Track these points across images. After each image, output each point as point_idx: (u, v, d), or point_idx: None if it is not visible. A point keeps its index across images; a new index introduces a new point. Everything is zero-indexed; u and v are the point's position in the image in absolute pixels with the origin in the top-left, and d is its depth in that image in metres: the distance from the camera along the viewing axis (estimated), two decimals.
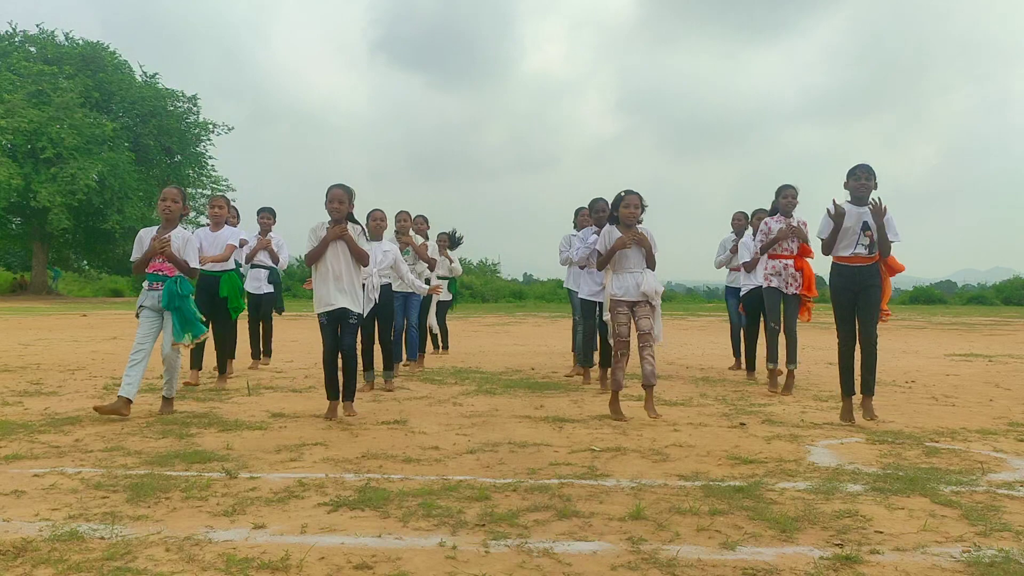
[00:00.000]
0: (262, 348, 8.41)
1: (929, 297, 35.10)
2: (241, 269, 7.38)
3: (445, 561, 2.61)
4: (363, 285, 6.53)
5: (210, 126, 36.98)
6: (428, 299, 8.54)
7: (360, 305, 5.35)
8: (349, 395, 5.36)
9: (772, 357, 6.85)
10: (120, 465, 3.88)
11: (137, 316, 5.40)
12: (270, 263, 8.24)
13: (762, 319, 7.45)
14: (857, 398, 5.42)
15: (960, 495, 3.46)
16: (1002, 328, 17.59)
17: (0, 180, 27.71)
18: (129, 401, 5.17)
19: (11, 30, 33.70)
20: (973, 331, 16.43)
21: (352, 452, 4.23)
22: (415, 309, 7.87)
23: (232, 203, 7.65)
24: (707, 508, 3.21)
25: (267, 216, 8.28)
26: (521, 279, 44.96)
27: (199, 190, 35.90)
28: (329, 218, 5.25)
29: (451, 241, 9.60)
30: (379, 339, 6.85)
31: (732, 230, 8.61)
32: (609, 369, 6.73)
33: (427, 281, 8.23)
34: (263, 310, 8.35)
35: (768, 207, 7.25)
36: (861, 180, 5.34)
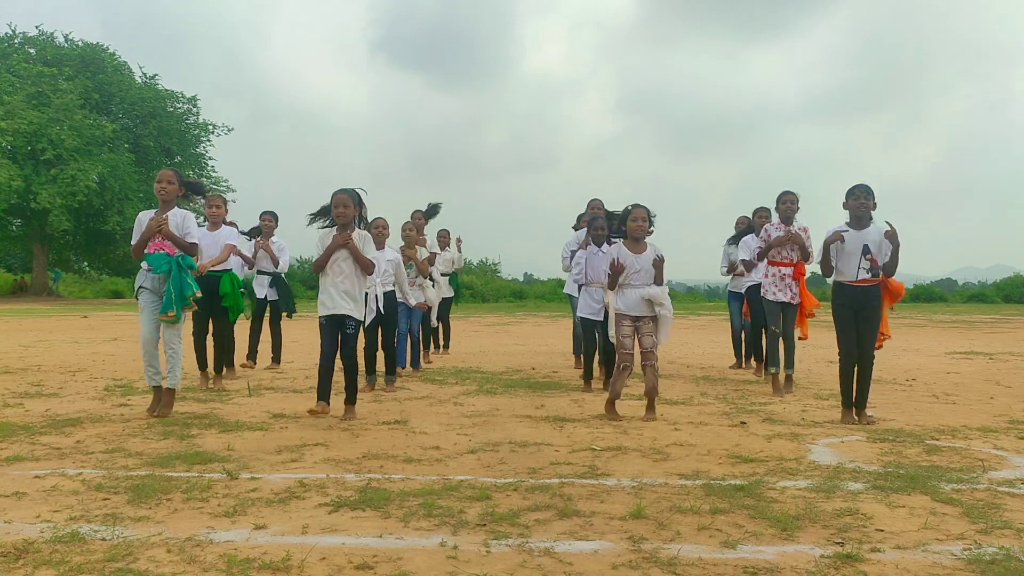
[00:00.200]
0: (272, 355, 8.40)
1: (930, 295, 35.10)
2: (243, 273, 7.37)
3: (446, 561, 2.61)
4: (366, 294, 6.55)
5: (210, 127, 37.01)
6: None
7: (362, 312, 5.35)
8: (351, 399, 5.36)
9: (773, 361, 6.84)
10: (121, 466, 3.88)
11: (136, 298, 5.39)
12: (272, 268, 8.25)
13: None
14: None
15: (961, 493, 3.46)
16: (1002, 326, 17.59)
17: (0, 182, 27.72)
18: (159, 387, 5.37)
19: (11, 32, 33.72)
20: (974, 329, 16.43)
21: (353, 452, 4.23)
22: (417, 319, 7.91)
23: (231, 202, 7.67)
24: (708, 507, 3.21)
25: (269, 219, 8.29)
26: (521, 279, 44.98)
27: (202, 183, 35.91)
28: (337, 225, 5.26)
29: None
30: (383, 344, 6.86)
31: (735, 232, 8.60)
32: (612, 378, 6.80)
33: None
34: (272, 318, 8.36)
35: (770, 205, 7.26)
36: (860, 200, 5.32)
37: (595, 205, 7.68)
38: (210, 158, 37.61)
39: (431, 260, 8.19)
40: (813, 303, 6.77)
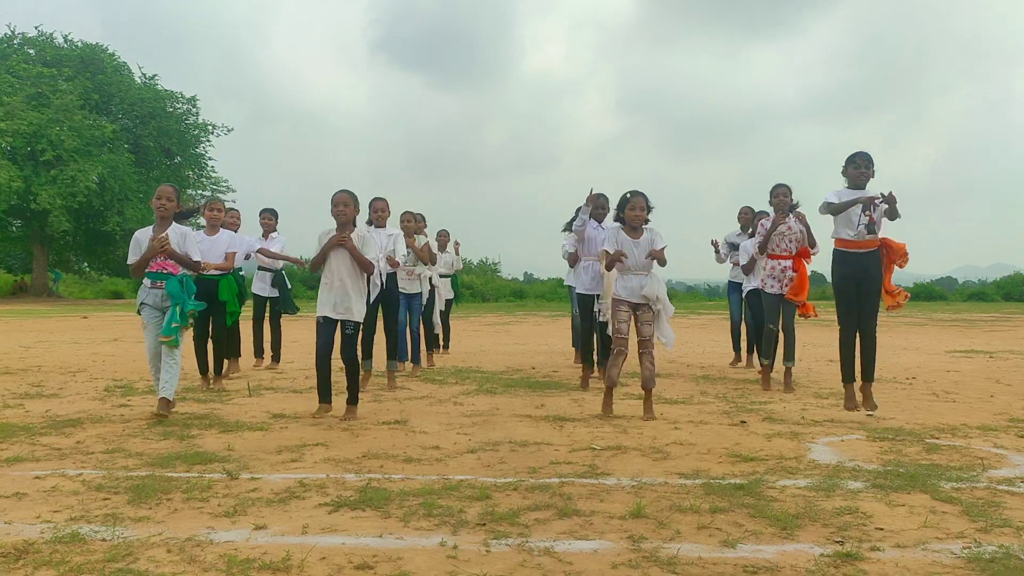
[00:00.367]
0: (272, 353, 8.42)
1: (930, 294, 35.10)
2: (242, 272, 7.37)
3: (446, 560, 2.61)
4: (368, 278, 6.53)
5: (210, 127, 37.02)
6: (432, 301, 8.56)
7: (360, 314, 5.34)
8: (352, 399, 5.37)
9: (767, 354, 6.86)
10: (121, 467, 3.88)
11: (139, 313, 5.40)
12: (274, 266, 8.27)
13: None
14: (858, 383, 5.43)
15: (960, 491, 3.46)
16: (1003, 324, 17.59)
17: (0, 183, 27.72)
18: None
19: (10, 32, 33.72)
20: (974, 327, 16.42)
21: (353, 452, 4.24)
22: (417, 312, 7.88)
23: (234, 205, 7.68)
24: (708, 506, 3.21)
25: (268, 217, 8.30)
26: (522, 278, 44.99)
27: (199, 191, 35.92)
28: (336, 224, 5.26)
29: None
30: (384, 327, 6.84)
31: (739, 225, 8.60)
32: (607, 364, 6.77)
33: (431, 280, 8.27)
34: (272, 317, 8.37)
35: (768, 207, 7.27)
36: (861, 168, 5.34)
37: (601, 203, 7.64)
38: (210, 158, 37.66)
39: (433, 260, 8.18)
40: (801, 299, 6.73)
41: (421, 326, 8.14)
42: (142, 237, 5.40)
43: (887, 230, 5.39)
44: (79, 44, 34.61)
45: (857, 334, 5.39)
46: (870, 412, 5.29)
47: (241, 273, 7.33)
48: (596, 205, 6.80)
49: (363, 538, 2.83)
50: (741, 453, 4.23)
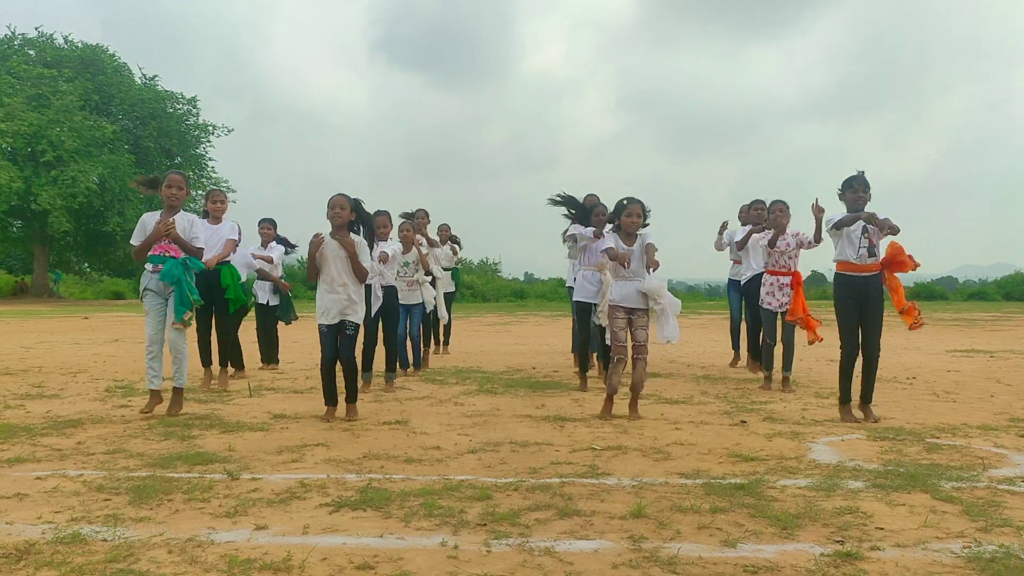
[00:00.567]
0: (268, 355, 8.46)
1: (930, 293, 35.10)
2: (244, 276, 7.38)
3: (447, 561, 2.62)
4: (368, 286, 6.54)
5: (210, 128, 37.03)
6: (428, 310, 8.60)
7: (360, 315, 5.34)
8: (351, 397, 5.38)
9: (768, 366, 6.87)
10: (122, 467, 3.88)
11: (141, 299, 5.42)
12: (275, 274, 8.32)
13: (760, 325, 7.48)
14: (855, 402, 5.42)
15: (961, 491, 3.46)
16: (1003, 324, 17.58)
17: (1, 183, 27.74)
18: (159, 392, 5.35)
19: (10, 33, 33.74)
20: (974, 327, 16.42)
21: (353, 453, 4.24)
22: (417, 322, 7.90)
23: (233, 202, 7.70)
24: (708, 506, 3.21)
25: (267, 227, 8.33)
26: (522, 278, 44.99)
27: (199, 192, 35.93)
28: (331, 228, 5.26)
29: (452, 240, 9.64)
30: (384, 340, 6.85)
31: (741, 223, 8.59)
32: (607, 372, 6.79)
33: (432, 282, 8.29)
34: (268, 322, 8.41)
35: (767, 204, 7.28)
36: (859, 193, 5.33)
37: (600, 211, 7.63)
38: (210, 159, 37.67)
39: (426, 266, 8.17)
40: (796, 316, 6.68)
41: (420, 332, 8.17)
42: (149, 220, 5.42)
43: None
44: (79, 45, 34.63)
45: (859, 356, 5.38)
46: (873, 421, 5.27)
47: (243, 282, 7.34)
48: (595, 214, 6.79)
49: (364, 538, 2.83)
50: (741, 453, 4.23)
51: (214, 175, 37.28)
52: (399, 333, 7.35)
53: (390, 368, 6.88)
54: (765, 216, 7.79)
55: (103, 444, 4.43)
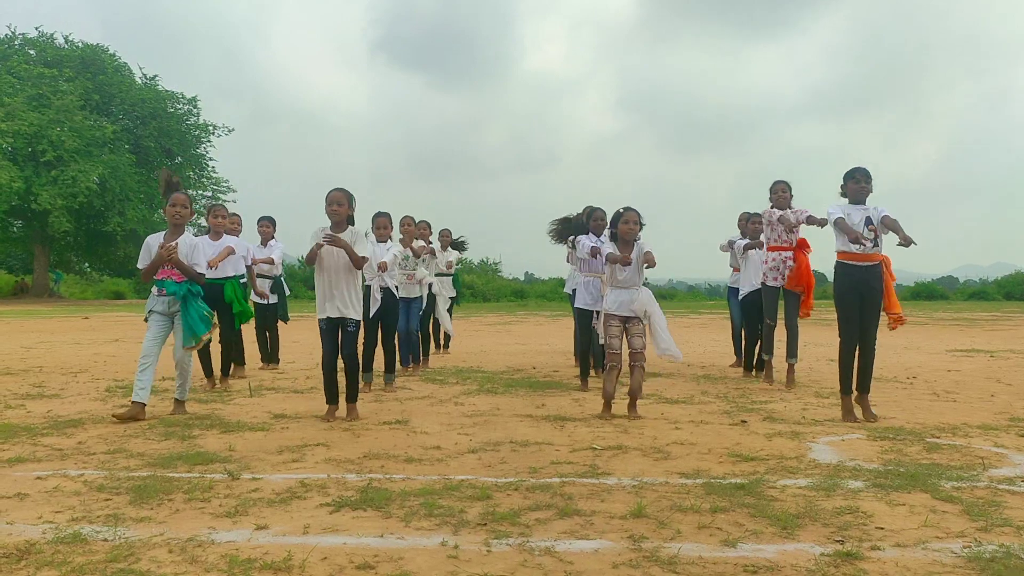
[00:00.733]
0: (269, 355, 8.47)
1: (930, 293, 35.09)
2: (243, 280, 7.39)
3: (447, 560, 2.62)
4: (368, 287, 6.53)
5: (210, 128, 37.04)
6: (431, 302, 8.58)
7: (359, 312, 5.34)
8: (352, 397, 5.38)
9: (768, 350, 6.89)
10: (123, 467, 3.89)
11: (146, 320, 5.43)
12: (273, 273, 8.34)
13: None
14: (853, 394, 5.42)
15: (961, 491, 3.46)
16: (1003, 323, 17.58)
17: (1, 183, 27.76)
18: (143, 405, 5.29)
19: (10, 33, 33.76)
20: (974, 327, 16.42)
21: (354, 452, 4.24)
22: (416, 316, 7.90)
23: (235, 212, 7.72)
24: (708, 506, 3.21)
25: (267, 225, 8.35)
26: (522, 278, 45.01)
27: (199, 192, 35.93)
28: (330, 222, 5.26)
29: (453, 244, 9.63)
30: (382, 342, 6.86)
31: (739, 232, 8.59)
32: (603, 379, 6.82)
33: (430, 286, 8.30)
34: (268, 321, 8.42)
35: (767, 207, 7.29)
36: (861, 184, 5.34)
37: (599, 216, 7.62)
38: (210, 159, 37.70)
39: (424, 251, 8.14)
40: (799, 288, 6.71)
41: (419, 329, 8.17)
42: (153, 243, 5.45)
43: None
44: (79, 45, 34.65)
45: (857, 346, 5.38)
46: (869, 421, 5.27)
47: (243, 282, 7.34)
48: (595, 218, 6.81)
49: (364, 538, 2.83)
50: (742, 453, 4.23)
51: (214, 175, 37.33)
52: (399, 328, 7.34)
53: (389, 369, 6.88)
54: (762, 230, 7.82)
55: (104, 444, 4.43)
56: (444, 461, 4.06)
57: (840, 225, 5.29)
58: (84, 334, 13.93)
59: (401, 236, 7.55)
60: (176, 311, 5.36)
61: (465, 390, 6.76)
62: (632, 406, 5.42)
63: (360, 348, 5.68)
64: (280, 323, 8.59)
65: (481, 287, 33.58)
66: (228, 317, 6.94)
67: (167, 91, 35.99)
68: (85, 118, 31.00)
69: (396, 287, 6.87)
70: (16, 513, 3.13)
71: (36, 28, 34.69)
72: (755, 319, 7.60)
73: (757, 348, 7.83)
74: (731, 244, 8.48)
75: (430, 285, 8.18)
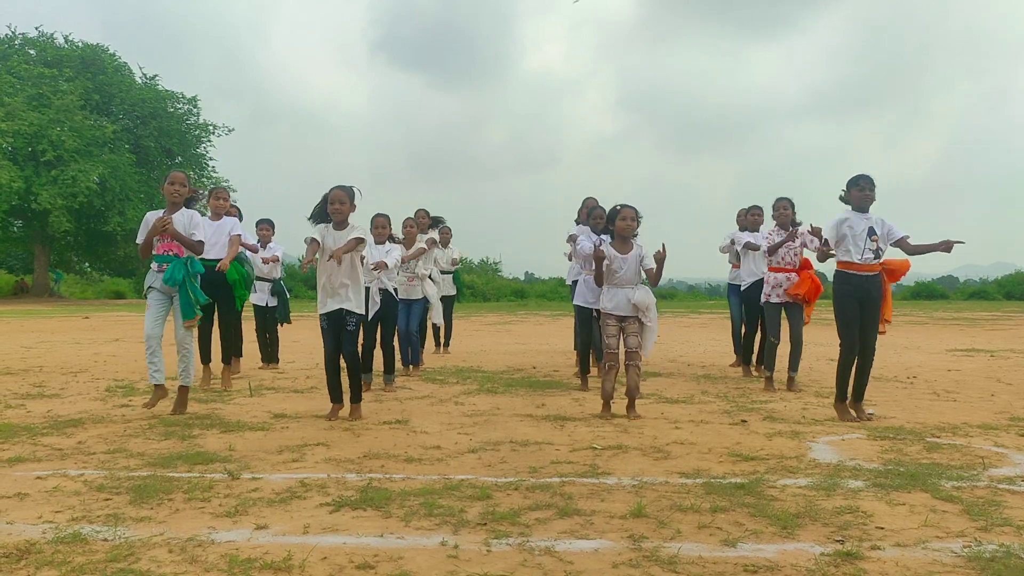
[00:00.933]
0: (269, 354, 8.48)
1: (931, 292, 35.09)
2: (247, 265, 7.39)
3: (447, 560, 2.62)
4: (367, 288, 6.53)
5: (210, 127, 37.04)
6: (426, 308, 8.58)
7: (361, 307, 5.35)
8: (356, 398, 5.39)
9: (769, 366, 6.87)
10: (123, 467, 3.89)
11: (145, 296, 5.46)
12: (274, 276, 8.35)
13: (760, 326, 7.50)
14: (848, 401, 5.41)
15: (961, 490, 3.46)
16: (1004, 323, 17.58)
17: (1, 183, 27.76)
18: (163, 385, 5.40)
19: (11, 33, 33.75)
20: (975, 326, 16.42)
21: (354, 452, 4.24)
22: (416, 317, 7.89)
23: (234, 203, 7.70)
24: (708, 505, 3.21)
25: (266, 228, 8.36)
26: (522, 278, 45.00)
27: (200, 191, 35.92)
28: (333, 221, 5.26)
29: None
30: (381, 343, 6.86)
31: (738, 227, 8.58)
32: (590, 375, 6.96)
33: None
34: (268, 323, 8.43)
35: (768, 203, 7.28)
36: (865, 191, 5.32)
37: (599, 215, 7.62)
38: (211, 159, 37.71)
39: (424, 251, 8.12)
40: (800, 296, 6.72)
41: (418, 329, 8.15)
42: (151, 218, 5.47)
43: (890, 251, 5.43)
44: (80, 44, 34.64)
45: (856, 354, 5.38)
46: (866, 419, 5.28)
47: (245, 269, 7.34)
48: (594, 216, 6.84)
49: (364, 538, 2.83)
50: (742, 452, 4.23)
51: (215, 175, 37.32)
52: (400, 328, 7.33)
53: (388, 370, 6.88)
54: (762, 222, 7.79)
55: (104, 444, 4.43)
56: (444, 461, 4.06)
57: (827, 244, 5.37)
58: (84, 334, 13.93)
59: (403, 238, 7.55)
60: (176, 291, 5.38)
61: (465, 390, 6.76)
62: (631, 406, 5.42)
63: (359, 349, 5.69)
64: (280, 325, 8.59)
65: (481, 287, 33.58)
66: (230, 303, 6.93)
67: (167, 91, 35.98)
68: (85, 118, 31.00)
69: (395, 289, 6.87)
70: (16, 513, 3.13)
71: (36, 28, 34.74)
72: (756, 310, 7.57)
73: (756, 340, 7.81)
74: (732, 243, 8.46)
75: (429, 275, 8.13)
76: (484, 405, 5.89)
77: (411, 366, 8.04)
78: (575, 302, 7.08)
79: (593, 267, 6.65)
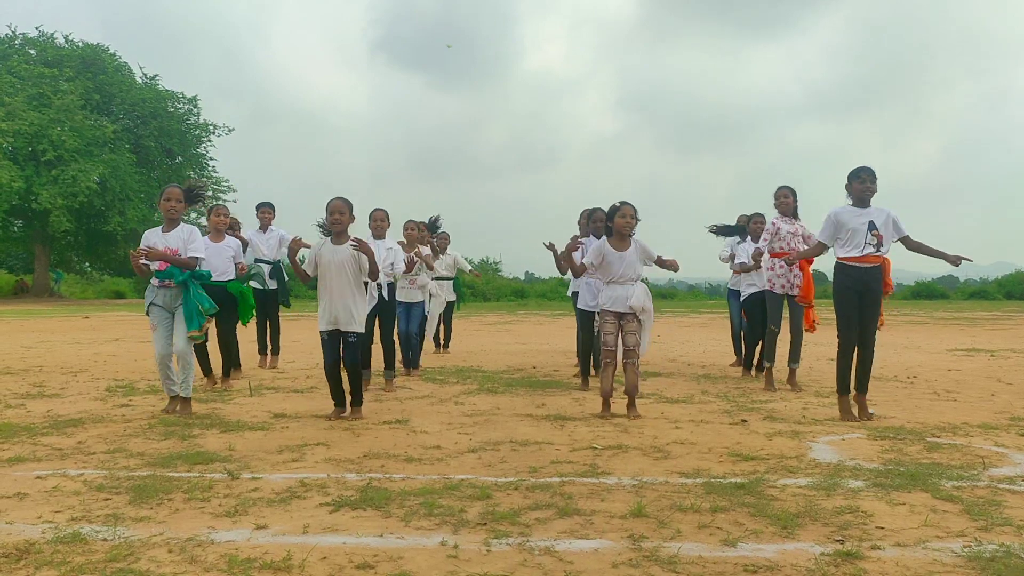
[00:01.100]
0: (270, 346, 8.44)
1: (931, 292, 35.07)
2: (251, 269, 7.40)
3: (447, 560, 2.62)
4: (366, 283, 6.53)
5: (210, 127, 37.04)
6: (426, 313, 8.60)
7: (362, 324, 5.35)
8: (357, 402, 5.40)
9: (769, 357, 6.87)
10: (123, 467, 3.89)
11: (147, 314, 5.44)
12: (272, 257, 8.30)
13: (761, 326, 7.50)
14: (851, 394, 5.41)
15: (961, 490, 3.46)
16: (1004, 323, 17.57)
17: (1, 183, 27.76)
18: (177, 395, 5.49)
19: (11, 33, 33.74)
20: (975, 326, 16.41)
21: (354, 452, 4.24)
22: (416, 320, 7.89)
23: (234, 216, 7.72)
24: (708, 505, 3.21)
25: (267, 211, 8.34)
26: (523, 277, 44.95)
27: (204, 183, 35.90)
28: (332, 234, 5.27)
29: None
30: (380, 339, 6.86)
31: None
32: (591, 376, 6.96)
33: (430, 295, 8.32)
34: (269, 307, 8.39)
35: (769, 204, 7.27)
36: (866, 183, 5.31)
37: (599, 217, 7.59)
38: (211, 158, 37.70)
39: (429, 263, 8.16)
40: (809, 301, 6.73)
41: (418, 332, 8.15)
42: (150, 236, 5.49)
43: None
44: (80, 44, 34.63)
45: (856, 346, 5.37)
46: (865, 419, 5.27)
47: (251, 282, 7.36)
48: (595, 220, 6.84)
49: (364, 538, 2.83)
50: (742, 452, 4.23)
51: (215, 175, 37.32)
52: (400, 331, 7.33)
53: (388, 366, 6.87)
54: (762, 231, 7.79)
55: (103, 443, 4.43)
56: (444, 461, 4.05)
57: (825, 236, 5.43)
58: (84, 333, 13.93)
59: (403, 241, 7.55)
60: (178, 305, 5.38)
61: (465, 389, 6.76)
62: (631, 405, 5.42)
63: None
64: (281, 314, 8.55)
65: (481, 287, 33.55)
66: (231, 317, 6.93)
67: (167, 91, 35.98)
68: (85, 118, 31.00)
69: (389, 286, 6.85)
70: (16, 513, 3.13)
71: (36, 28, 34.72)
72: (757, 320, 7.57)
73: (757, 349, 7.82)
74: (732, 258, 8.44)
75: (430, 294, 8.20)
76: (484, 405, 5.88)
77: (411, 369, 8.03)
78: (579, 305, 7.09)
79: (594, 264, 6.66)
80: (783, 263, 6.76)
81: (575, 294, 7.53)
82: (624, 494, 3.40)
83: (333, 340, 5.26)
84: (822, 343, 10.56)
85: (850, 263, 5.31)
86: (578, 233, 7.60)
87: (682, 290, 41.04)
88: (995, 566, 2.56)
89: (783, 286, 6.80)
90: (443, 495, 3.36)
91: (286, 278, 8.55)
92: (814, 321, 6.76)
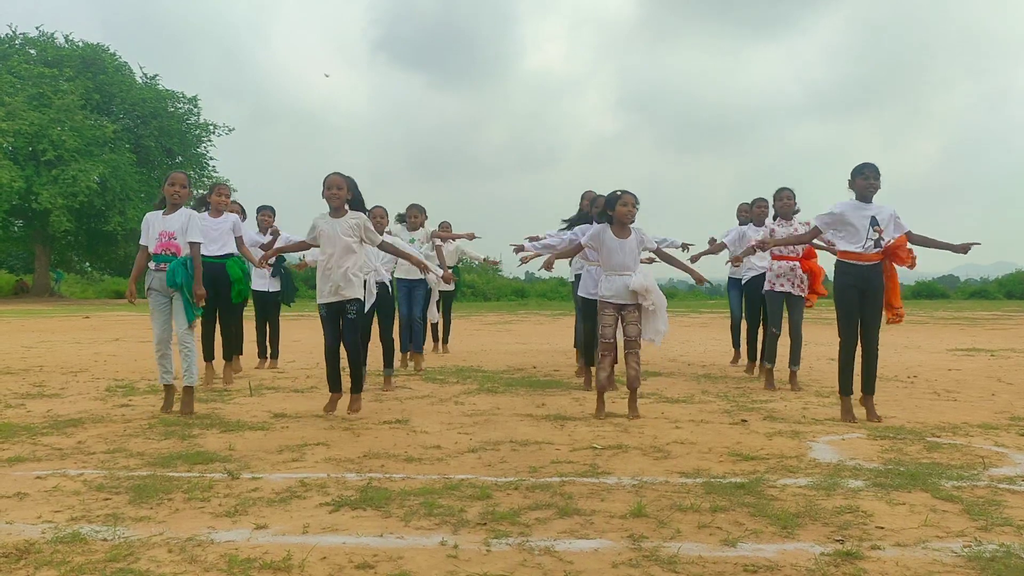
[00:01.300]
0: (269, 350, 8.43)
1: (931, 292, 35.07)
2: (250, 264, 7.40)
3: (447, 560, 2.62)
4: (364, 281, 6.53)
5: (211, 127, 37.05)
6: (430, 292, 8.57)
7: (359, 291, 5.34)
8: (356, 388, 5.40)
9: (769, 358, 6.86)
10: (122, 467, 3.89)
11: (146, 296, 5.46)
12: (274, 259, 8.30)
13: (761, 319, 7.49)
14: (857, 395, 5.40)
15: (961, 490, 3.46)
16: (1004, 322, 17.57)
17: (2, 183, 27.76)
18: (171, 385, 5.52)
19: (11, 32, 33.76)
20: (975, 326, 16.41)
21: (354, 452, 4.24)
22: (419, 303, 7.84)
23: (235, 201, 7.70)
24: (708, 505, 3.21)
25: (267, 214, 8.34)
26: (523, 277, 44.92)
27: (200, 191, 35.92)
28: (329, 208, 5.28)
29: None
30: (380, 336, 6.86)
31: (739, 222, 8.56)
32: (594, 368, 6.80)
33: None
34: (269, 309, 8.38)
35: (769, 200, 7.26)
36: (870, 180, 5.29)
37: (591, 195, 7.58)
38: (211, 158, 37.72)
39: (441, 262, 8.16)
40: (821, 292, 6.74)
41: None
42: (151, 219, 5.50)
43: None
44: (80, 44, 34.64)
45: (859, 346, 5.35)
46: (872, 421, 5.25)
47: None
48: (597, 205, 6.83)
49: (364, 538, 2.83)
50: (742, 452, 4.23)
51: (215, 174, 37.33)
52: (402, 314, 7.29)
53: (387, 364, 6.87)
54: (767, 214, 7.76)
55: (103, 443, 4.43)
56: (444, 460, 4.05)
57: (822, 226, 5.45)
58: (84, 333, 13.93)
59: (406, 224, 7.57)
60: (177, 292, 5.40)
61: (465, 389, 6.76)
62: (633, 402, 5.38)
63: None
64: (282, 317, 8.54)
65: (481, 286, 33.56)
66: (227, 299, 6.93)
67: (167, 90, 36.00)
68: (86, 117, 31.01)
69: (389, 282, 6.85)
70: (15, 513, 3.13)
71: (36, 28, 34.72)
72: (757, 305, 7.55)
73: (759, 335, 7.79)
74: (736, 239, 8.42)
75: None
76: (484, 405, 5.88)
77: (411, 352, 7.93)
78: (579, 294, 7.02)
79: (594, 255, 6.65)
80: (783, 266, 6.76)
81: (577, 278, 7.44)
82: (624, 494, 3.40)
83: (332, 316, 5.26)
84: (822, 343, 10.56)
85: (850, 260, 5.30)
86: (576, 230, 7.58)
87: (682, 290, 41.01)
88: (995, 566, 2.56)
89: (782, 285, 6.79)
90: (443, 495, 3.36)
91: (290, 275, 8.55)
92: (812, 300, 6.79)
